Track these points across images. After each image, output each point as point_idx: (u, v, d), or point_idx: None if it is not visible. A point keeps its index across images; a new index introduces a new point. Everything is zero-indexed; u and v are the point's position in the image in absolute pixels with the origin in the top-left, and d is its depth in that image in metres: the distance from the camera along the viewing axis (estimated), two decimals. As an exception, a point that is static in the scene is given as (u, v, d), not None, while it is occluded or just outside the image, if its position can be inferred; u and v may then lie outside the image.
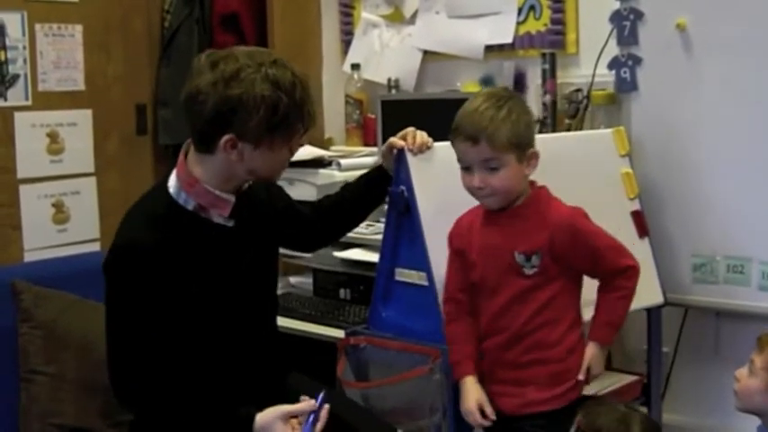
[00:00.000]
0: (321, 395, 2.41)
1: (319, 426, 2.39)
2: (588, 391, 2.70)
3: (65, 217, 4.19)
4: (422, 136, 2.82)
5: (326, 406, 2.40)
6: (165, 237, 2.42)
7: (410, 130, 2.82)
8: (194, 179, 2.46)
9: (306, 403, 2.41)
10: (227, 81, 2.35)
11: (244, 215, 2.55)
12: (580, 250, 2.57)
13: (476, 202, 2.64)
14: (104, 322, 2.47)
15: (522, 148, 2.56)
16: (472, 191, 2.57)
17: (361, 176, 2.96)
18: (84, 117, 4.24)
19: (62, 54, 4.16)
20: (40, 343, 2.94)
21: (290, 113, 2.38)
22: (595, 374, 2.62)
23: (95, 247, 4.20)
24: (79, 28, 4.21)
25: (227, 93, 2.34)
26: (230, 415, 2.43)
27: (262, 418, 2.40)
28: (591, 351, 2.62)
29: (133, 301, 2.41)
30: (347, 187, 2.97)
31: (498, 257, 2.58)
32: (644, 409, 2.99)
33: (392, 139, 2.82)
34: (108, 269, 2.44)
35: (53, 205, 4.15)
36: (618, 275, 2.62)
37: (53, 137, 4.14)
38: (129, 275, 2.41)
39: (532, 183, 2.65)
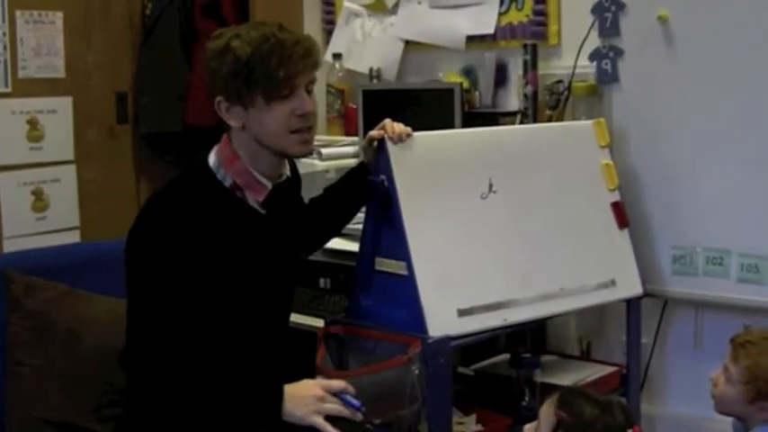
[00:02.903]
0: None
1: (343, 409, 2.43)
2: (566, 381, 2.71)
3: (44, 205, 4.16)
4: (399, 126, 2.81)
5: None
6: (200, 207, 2.44)
7: (387, 121, 2.81)
8: (236, 156, 2.49)
9: (341, 382, 2.48)
10: (209, 44, 2.46)
11: (277, 207, 2.57)
12: None
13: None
14: (128, 295, 2.47)
15: None
16: None
17: (343, 176, 2.96)
18: (64, 104, 4.22)
19: (42, 41, 4.13)
20: (27, 334, 2.92)
21: (254, 63, 2.38)
22: None
23: (75, 235, 4.18)
24: (60, 15, 4.18)
25: (205, 53, 2.46)
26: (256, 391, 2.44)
27: (290, 385, 2.44)
28: None
29: (162, 269, 2.39)
30: (330, 188, 2.96)
31: None
32: (623, 400, 2.99)
33: (371, 132, 2.81)
34: (138, 237, 2.44)
35: (32, 193, 4.13)
36: None
37: (33, 124, 4.11)
38: (160, 242, 2.39)
39: None
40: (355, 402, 2.46)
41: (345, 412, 2.44)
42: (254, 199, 2.53)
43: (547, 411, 2.33)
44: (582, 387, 2.56)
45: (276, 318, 2.70)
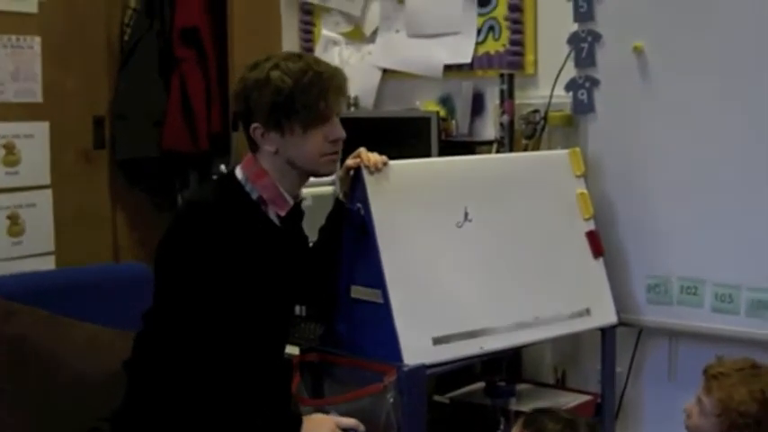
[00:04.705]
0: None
1: None
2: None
3: (20, 229, 4.14)
4: (375, 155, 2.83)
5: None
6: (232, 215, 2.55)
7: (362, 150, 2.83)
8: (264, 171, 2.60)
9: (353, 420, 2.59)
10: (246, 73, 2.59)
11: (291, 223, 2.70)
12: None
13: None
14: (159, 296, 2.55)
15: None
16: None
17: (328, 218, 2.95)
18: (41, 129, 4.20)
19: (20, 66, 4.12)
20: (4, 359, 2.90)
21: (295, 95, 2.51)
22: None
23: (50, 260, 4.16)
24: (38, 40, 4.17)
25: (243, 83, 2.59)
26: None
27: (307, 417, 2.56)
28: None
29: (198, 270, 2.47)
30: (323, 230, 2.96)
31: None
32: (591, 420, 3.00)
33: (347, 162, 2.83)
34: (177, 239, 2.54)
35: (8, 217, 4.10)
36: None
37: (9, 148, 4.10)
38: (198, 246, 2.49)
39: None
40: None
41: None
42: (275, 213, 2.64)
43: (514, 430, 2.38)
44: (551, 407, 2.57)
45: (280, 329, 2.75)
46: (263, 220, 2.62)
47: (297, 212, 2.73)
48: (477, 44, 3.92)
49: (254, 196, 2.61)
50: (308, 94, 2.53)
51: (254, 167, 2.61)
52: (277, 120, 2.54)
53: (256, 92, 2.54)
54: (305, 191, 2.95)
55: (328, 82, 2.57)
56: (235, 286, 2.50)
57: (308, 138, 2.57)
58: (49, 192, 4.24)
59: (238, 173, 2.63)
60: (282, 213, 2.64)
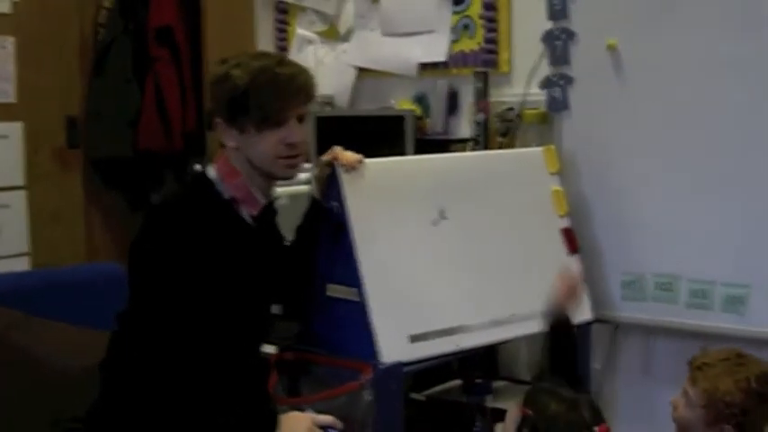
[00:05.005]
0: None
1: None
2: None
3: (-6, 230, 4.13)
4: (350, 154, 2.82)
5: None
6: (203, 216, 2.53)
7: (337, 148, 2.83)
8: (236, 170, 2.58)
9: (330, 417, 2.54)
10: (213, 69, 2.59)
11: (264, 223, 2.67)
12: None
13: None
14: (133, 296, 2.53)
15: None
16: None
17: (304, 216, 2.95)
18: (14, 130, 4.19)
19: (-7, 66, 4.12)
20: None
21: (249, 93, 2.48)
22: None
23: (25, 261, 4.15)
24: (11, 40, 4.16)
25: (209, 78, 2.64)
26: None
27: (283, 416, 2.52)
28: None
29: (169, 271, 2.45)
30: (300, 230, 2.95)
31: None
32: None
33: (322, 158, 2.83)
34: (148, 242, 2.51)
35: (-18, 218, 4.10)
36: None
37: (-17, 149, 4.09)
38: (169, 247, 2.47)
39: None
40: None
41: None
42: (248, 212, 2.62)
43: (513, 409, 2.35)
44: (552, 385, 2.54)
45: (256, 328, 2.72)
46: (235, 219, 2.60)
47: (270, 211, 2.72)
48: (452, 42, 3.93)
49: (227, 195, 2.58)
50: (261, 94, 2.50)
51: (226, 167, 2.59)
52: (234, 117, 2.52)
53: (217, 87, 2.54)
54: (280, 190, 2.95)
55: (285, 84, 2.52)
56: (208, 285, 2.48)
57: (263, 138, 2.53)
58: (23, 192, 4.23)
59: (211, 172, 2.61)
60: (255, 213, 2.62)
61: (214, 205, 2.57)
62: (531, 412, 2.28)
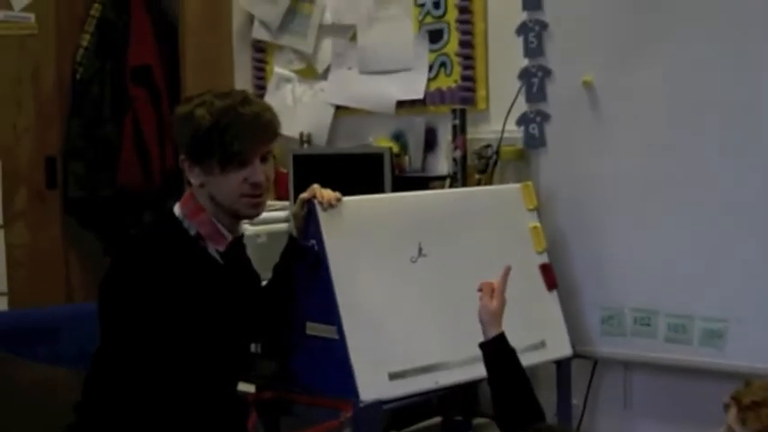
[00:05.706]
0: None
1: None
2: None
3: (-28, 271, 4.11)
4: (328, 192, 2.83)
5: None
6: (169, 253, 2.53)
7: (315, 186, 2.84)
8: (200, 207, 2.58)
9: None
10: (179, 106, 2.60)
11: (233, 259, 2.66)
12: None
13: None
14: (103, 334, 2.52)
15: None
16: None
17: (282, 255, 2.94)
18: (-8, 169, 4.19)
19: (-28, 105, 4.11)
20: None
21: (212, 134, 2.48)
22: None
23: (3, 301, 4.12)
24: (-11, 79, 4.17)
25: (173, 115, 2.60)
26: None
27: None
28: None
29: (136, 309, 2.45)
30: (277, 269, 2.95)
31: None
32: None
33: (301, 195, 2.83)
34: (115, 279, 2.52)
35: (-40, 259, 4.08)
36: None
37: (-39, 189, 4.08)
38: (135, 285, 2.47)
39: None
40: None
41: None
42: (214, 249, 2.61)
43: None
44: (551, 424, 2.51)
45: (232, 367, 2.71)
46: (201, 255, 2.59)
47: (239, 246, 2.71)
48: (429, 80, 3.95)
49: (192, 232, 2.58)
50: (224, 135, 2.48)
51: (191, 203, 2.59)
52: (198, 156, 2.53)
53: (181, 126, 2.54)
54: (258, 228, 2.96)
55: (247, 125, 2.51)
56: (175, 322, 2.46)
57: (227, 178, 2.52)
58: (1, 232, 4.21)
59: (176, 210, 2.61)
60: (221, 249, 2.61)
61: (180, 242, 2.57)
62: None
